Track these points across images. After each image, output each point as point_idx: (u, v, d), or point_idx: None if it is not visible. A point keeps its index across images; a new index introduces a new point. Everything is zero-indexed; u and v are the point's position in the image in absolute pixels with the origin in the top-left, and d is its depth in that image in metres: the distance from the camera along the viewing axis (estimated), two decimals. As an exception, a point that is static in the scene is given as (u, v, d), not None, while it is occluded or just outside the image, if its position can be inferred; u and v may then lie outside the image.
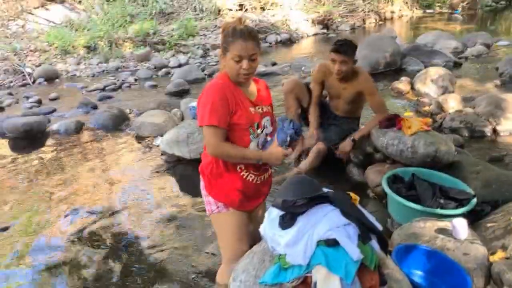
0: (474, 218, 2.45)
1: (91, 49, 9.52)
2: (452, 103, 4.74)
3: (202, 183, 2.01)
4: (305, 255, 1.40)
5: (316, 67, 3.71)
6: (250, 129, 1.86)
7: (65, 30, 10.01)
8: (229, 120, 1.82)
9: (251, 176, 1.91)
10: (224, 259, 2.02)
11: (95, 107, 6.10)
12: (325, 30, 11.62)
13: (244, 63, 1.79)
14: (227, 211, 1.92)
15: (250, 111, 1.87)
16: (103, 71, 8.62)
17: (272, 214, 1.54)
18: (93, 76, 8.27)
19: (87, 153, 4.55)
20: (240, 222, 1.92)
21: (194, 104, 4.39)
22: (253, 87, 1.98)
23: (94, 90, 7.22)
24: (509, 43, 8.14)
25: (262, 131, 1.93)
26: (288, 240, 1.44)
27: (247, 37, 1.81)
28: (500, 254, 1.92)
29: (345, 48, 3.22)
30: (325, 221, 1.45)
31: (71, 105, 6.25)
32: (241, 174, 1.89)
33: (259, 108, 1.92)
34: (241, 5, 12.29)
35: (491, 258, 1.89)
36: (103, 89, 7.28)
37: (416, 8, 13.57)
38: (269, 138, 1.95)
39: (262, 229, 1.57)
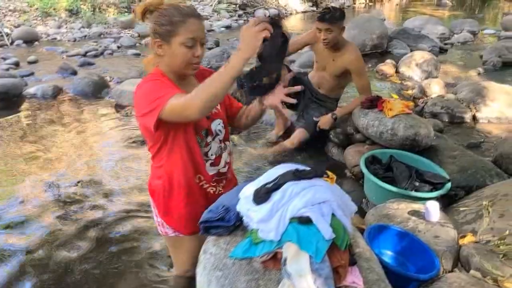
0: (448, 202, 2.49)
1: (73, 12, 9.25)
2: (435, 88, 4.76)
3: (152, 203, 1.76)
4: (277, 231, 1.38)
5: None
6: (197, 138, 1.59)
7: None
8: (167, 127, 1.50)
9: (212, 188, 1.71)
10: (175, 272, 1.94)
11: (74, 73, 5.96)
12: (314, 8, 11.48)
13: (198, 48, 1.49)
14: (183, 236, 1.74)
15: None
16: (85, 36, 8.40)
17: (246, 191, 1.52)
18: (74, 41, 8.06)
19: (64, 120, 4.45)
20: (196, 246, 1.60)
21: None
22: (194, 83, 1.61)
23: (74, 55, 7.05)
24: (494, 31, 8.18)
25: (213, 138, 1.66)
26: (262, 216, 1.42)
27: (198, 15, 1.51)
28: (469, 238, 1.95)
29: (329, 16, 3.13)
30: (300, 198, 1.44)
31: (50, 69, 6.09)
32: (201, 185, 1.67)
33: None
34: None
35: (461, 241, 1.92)
36: (84, 55, 7.11)
37: (407, -9, 13.51)
38: (222, 145, 1.71)
39: (238, 205, 1.55)
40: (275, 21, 1.38)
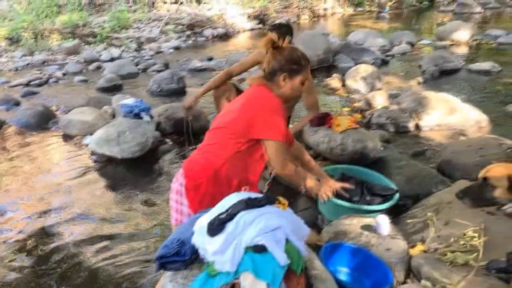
0: (397, 212, 2.59)
1: (13, 40, 8.91)
2: (380, 100, 4.96)
3: (180, 188, 1.94)
4: (232, 261, 1.40)
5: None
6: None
7: (-17, 20, 9.30)
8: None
9: None
10: None
11: (17, 104, 5.72)
12: (260, 25, 11.70)
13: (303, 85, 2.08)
14: None
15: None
16: (27, 64, 8.13)
17: (200, 223, 1.52)
18: (16, 70, 7.75)
19: (7, 154, 4.26)
20: None
21: (126, 101, 4.25)
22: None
23: (17, 85, 6.78)
24: (430, 42, 8.65)
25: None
26: (217, 248, 1.44)
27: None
28: (419, 248, 2.04)
29: (277, 29, 3.23)
30: (254, 226, 1.46)
31: (-11, 102, 5.81)
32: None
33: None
34: (176, -2, 12.07)
35: (411, 252, 2.01)
36: (27, 84, 6.87)
37: (347, 6, 14.05)
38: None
39: (193, 238, 1.55)
40: None
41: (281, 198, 1.62)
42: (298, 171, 2.05)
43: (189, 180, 1.92)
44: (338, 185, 2.38)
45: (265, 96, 1.97)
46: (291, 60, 2.02)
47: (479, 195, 2.06)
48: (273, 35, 2.02)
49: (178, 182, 1.98)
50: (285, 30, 3.28)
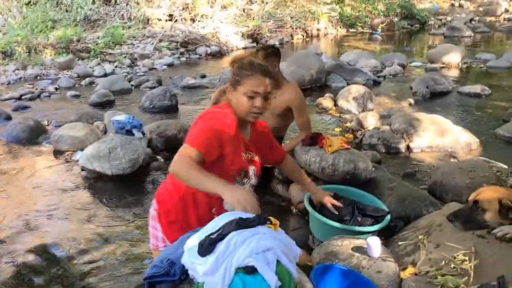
0: (388, 234, 2.59)
1: (7, 54, 8.89)
2: (371, 121, 5.01)
3: (154, 212, 1.86)
4: (223, 283, 1.38)
5: None
6: (237, 177, 1.76)
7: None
8: (215, 162, 1.68)
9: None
10: None
11: (8, 118, 5.68)
12: (254, 44, 11.81)
13: (258, 100, 1.68)
14: None
15: (242, 156, 1.76)
16: (20, 78, 8.08)
17: (190, 243, 1.51)
18: (8, 84, 7.71)
19: (-3, 169, 4.21)
20: None
21: (118, 117, 4.24)
22: (249, 128, 1.86)
23: (8, 99, 6.74)
24: (421, 64, 8.79)
25: (248, 181, 1.82)
26: (207, 268, 1.42)
27: (266, 73, 1.70)
28: (410, 270, 2.04)
29: (264, 50, 3.27)
30: (245, 247, 1.45)
31: (-20, 115, 5.76)
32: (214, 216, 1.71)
33: (249, 154, 1.82)
34: (170, 15, 12.16)
35: (402, 274, 2.00)
36: (19, 98, 6.82)
37: (340, 27, 14.25)
38: (252, 190, 1.80)
39: (182, 258, 1.53)
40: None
41: (272, 219, 1.61)
42: (206, 176, 1.59)
43: (160, 205, 1.87)
44: (329, 201, 2.36)
45: (212, 110, 1.80)
46: (236, 66, 1.77)
47: (469, 218, 2.08)
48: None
49: (153, 207, 1.93)
50: (270, 52, 3.33)
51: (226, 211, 1.64)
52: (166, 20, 12.05)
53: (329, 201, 2.37)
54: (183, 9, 12.49)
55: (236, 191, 1.54)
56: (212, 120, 1.69)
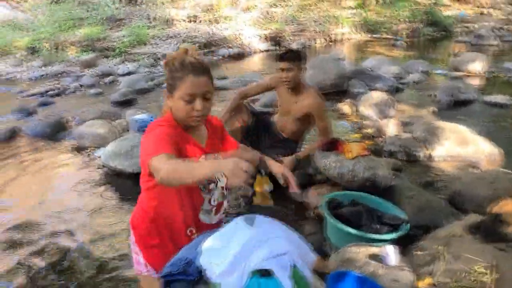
0: (406, 243, 2.55)
1: (34, 50, 9.11)
2: (392, 127, 4.95)
3: (132, 238, 1.76)
4: (240, 285, 1.38)
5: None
6: (200, 185, 1.64)
7: (6, 29, 9.53)
8: None
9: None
10: None
11: (32, 113, 5.81)
12: (276, 47, 11.82)
13: (197, 103, 1.53)
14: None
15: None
16: (44, 75, 8.26)
17: (208, 244, 1.52)
18: (34, 80, 7.89)
19: (20, 163, 4.31)
20: None
21: (138, 116, 4.30)
22: (203, 130, 1.72)
23: (33, 94, 6.90)
24: (445, 72, 8.64)
25: (216, 185, 1.69)
26: (224, 269, 1.43)
27: (200, 71, 1.54)
28: (427, 281, 2.00)
29: (288, 55, 3.29)
30: (261, 250, 1.45)
31: (5, 110, 5.91)
32: (192, 237, 1.66)
33: (211, 157, 1.66)
34: (194, 16, 12.26)
35: (419, 285, 1.96)
36: (43, 94, 6.97)
37: (364, 32, 14.14)
38: (225, 191, 1.73)
39: (200, 258, 1.54)
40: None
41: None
42: (193, 164, 1.42)
43: (135, 231, 1.76)
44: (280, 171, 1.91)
45: (152, 124, 1.62)
46: (168, 70, 1.60)
47: (490, 231, 2.04)
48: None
49: (131, 232, 1.81)
50: (296, 55, 3.32)
51: (206, 231, 1.59)
52: (189, 21, 12.16)
53: (280, 171, 1.93)
54: (207, 10, 12.58)
55: (230, 163, 1.29)
56: (157, 129, 1.54)
